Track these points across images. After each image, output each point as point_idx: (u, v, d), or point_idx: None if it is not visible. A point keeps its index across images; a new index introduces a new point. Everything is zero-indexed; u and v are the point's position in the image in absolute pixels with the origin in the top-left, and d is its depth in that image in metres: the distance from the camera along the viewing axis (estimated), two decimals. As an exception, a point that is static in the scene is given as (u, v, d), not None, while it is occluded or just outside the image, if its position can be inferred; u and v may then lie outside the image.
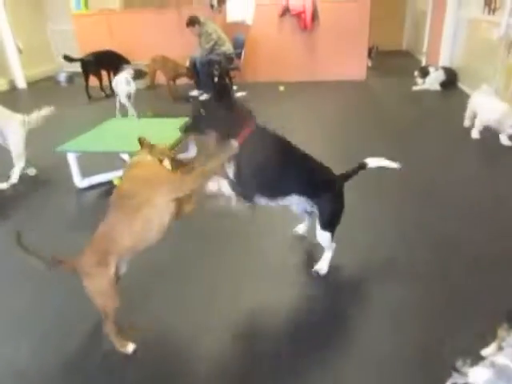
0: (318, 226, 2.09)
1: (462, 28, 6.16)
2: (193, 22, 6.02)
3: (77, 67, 6.63)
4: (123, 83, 5.11)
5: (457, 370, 1.19)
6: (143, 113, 5.33)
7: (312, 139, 4.25)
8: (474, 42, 5.71)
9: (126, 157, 3.58)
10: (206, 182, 1.80)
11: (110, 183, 3.47)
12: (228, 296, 2.11)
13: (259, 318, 2.00)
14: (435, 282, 2.13)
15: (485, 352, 1.56)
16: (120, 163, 3.64)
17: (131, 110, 5.14)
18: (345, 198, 2.12)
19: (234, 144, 1.72)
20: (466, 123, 4.29)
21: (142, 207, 1.59)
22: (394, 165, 2.21)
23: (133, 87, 5.15)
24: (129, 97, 5.13)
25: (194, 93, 6.49)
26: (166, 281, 2.27)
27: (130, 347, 1.76)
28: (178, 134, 3.41)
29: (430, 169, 3.47)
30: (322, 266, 2.20)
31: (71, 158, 3.31)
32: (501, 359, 1.25)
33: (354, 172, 2.19)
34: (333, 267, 2.22)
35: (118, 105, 5.30)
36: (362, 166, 2.19)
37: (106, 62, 6.59)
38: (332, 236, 2.10)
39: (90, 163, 3.61)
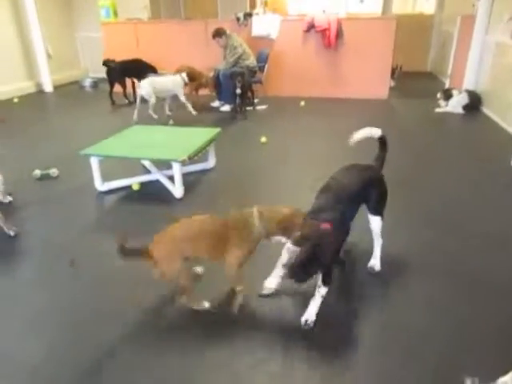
0: (370, 214, 2.25)
1: (488, 52, 6.11)
2: (219, 33, 6.13)
3: (102, 73, 6.79)
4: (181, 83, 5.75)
5: None
6: (164, 122, 5.42)
7: (329, 154, 4.24)
8: (500, 66, 5.65)
9: (147, 163, 3.65)
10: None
11: (129, 188, 3.52)
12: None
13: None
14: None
15: (501, 380, 1.51)
16: (140, 169, 3.70)
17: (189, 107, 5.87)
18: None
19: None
20: None
21: (218, 252, 1.95)
22: (376, 132, 2.39)
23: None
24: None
25: (216, 104, 6.57)
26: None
27: (206, 304, 2.09)
28: (198, 143, 3.46)
29: (446, 189, 3.42)
30: (376, 263, 2.35)
31: (94, 162, 3.37)
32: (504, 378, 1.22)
33: (380, 153, 2.44)
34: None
35: (137, 110, 5.62)
36: (382, 141, 2.43)
37: (131, 70, 6.73)
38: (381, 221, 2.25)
39: (109, 168, 3.67)
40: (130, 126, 4.07)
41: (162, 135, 3.92)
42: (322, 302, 1.97)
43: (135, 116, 5.58)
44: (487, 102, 5.98)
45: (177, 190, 3.33)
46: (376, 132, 2.38)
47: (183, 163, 3.25)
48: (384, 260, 2.38)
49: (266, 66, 6.65)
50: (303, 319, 1.97)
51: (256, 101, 6.53)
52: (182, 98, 5.83)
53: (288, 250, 2.10)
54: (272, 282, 2.18)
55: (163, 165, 3.59)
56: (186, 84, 5.86)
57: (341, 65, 7.07)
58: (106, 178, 3.52)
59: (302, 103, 6.59)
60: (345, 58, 7.01)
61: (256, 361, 1.78)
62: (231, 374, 1.73)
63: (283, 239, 1.95)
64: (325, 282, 1.95)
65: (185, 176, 3.62)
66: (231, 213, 2.03)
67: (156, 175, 3.58)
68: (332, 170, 2.27)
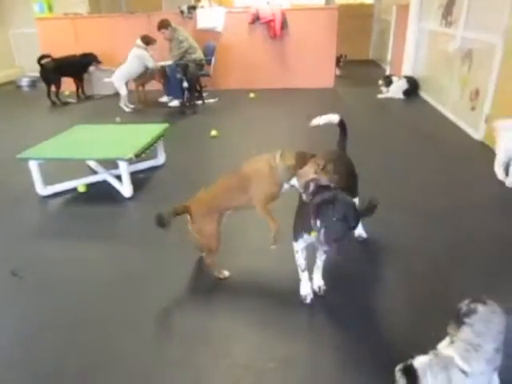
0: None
1: (422, 39, 6.43)
2: (164, 25, 6.01)
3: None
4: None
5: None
6: (112, 119, 5.30)
7: (280, 144, 4.32)
8: (434, 52, 5.98)
9: (92, 163, 3.57)
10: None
11: (74, 191, 3.44)
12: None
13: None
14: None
15: (439, 346, 1.65)
16: (86, 170, 3.62)
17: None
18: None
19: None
20: (499, 173, 3.40)
21: (245, 193, 2.11)
22: (335, 118, 2.48)
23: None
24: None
25: (164, 99, 6.49)
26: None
27: (227, 273, 2.28)
28: (146, 140, 3.43)
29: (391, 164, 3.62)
30: (361, 232, 2.57)
31: (33, 166, 3.25)
32: (445, 350, 1.35)
33: (342, 138, 2.52)
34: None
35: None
36: (341, 126, 2.51)
37: (67, 69, 6.46)
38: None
39: (53, 171, 3.56)
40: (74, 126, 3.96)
41: (106, 134, 3.84)
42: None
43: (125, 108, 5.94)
44: (424, 86, 6.32)
45: (125, 189, 3.29)
46: (335, 118, 2.47)
47: (130, 161, 3.22)
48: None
49: (214, 58, 6.62)
50: (315, 286, 2.13)
51: (205, 94, 6.51)
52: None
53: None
54: (308, 289, 2.11)
55: (110, 164, 3.53)
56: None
57: (287, 55, 7.19)
58: (49, 181, 3.42)
59: (252, 95, 6.65)
60: (291, 49, 7.12)
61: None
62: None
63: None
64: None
65: (134, 174, 3.59)
66: (250, 160, 2.21)
67: (103, 175, 3.52)
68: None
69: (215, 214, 2.16)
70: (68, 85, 6.71)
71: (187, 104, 5.90)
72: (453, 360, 1.30)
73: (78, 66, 6.55)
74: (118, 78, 5.91)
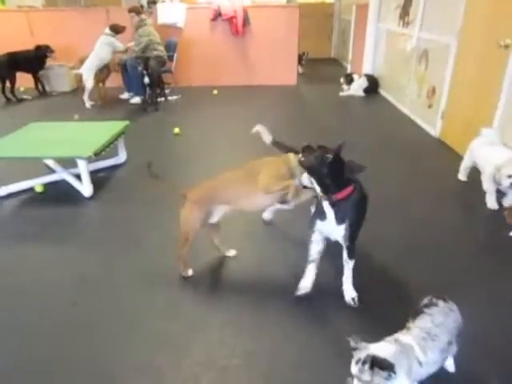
0: None
1: (381, 39, 6.62)
2: (136, 10, 5.90)
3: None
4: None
5: (354, 348, 1.30)
6: (69, 117, 5.12)
7: (243, 141, 4.34)
8: (392, 52, 6.16)
9: (50, 162, 3.43)
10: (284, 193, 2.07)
11: (31, 191, 3.30)
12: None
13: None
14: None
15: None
16: (43, 170, 3.47)
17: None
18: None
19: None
20: (461, 177, 3.37)
21: (250, 186, 2.04)
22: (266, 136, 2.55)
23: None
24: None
25: (125, 96, 6.34)
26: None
27: (190, 272, 2.27)
28: (105, 138, 3.34)
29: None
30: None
31: (-14, 165, 3.09)
32: (404, 338, 1.38)
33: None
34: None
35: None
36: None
37: (22, 63, 6.18)
38: None
39: (7, 170, 3.41)
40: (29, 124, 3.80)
41: (64, 131, 3.70)
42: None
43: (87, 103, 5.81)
44: (383, 84, 6.51)
45: (85, 189, 3.19)
46: (267, 138, 2.54)
47: (89, 160, 3.12)
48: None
49: (176, 55, 6.53)
50: (348, 299, 2.05)
51: (167, 91, 6.41)
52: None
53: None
54: (307, 282, 2.11)
55: (69, 163, 3.41)
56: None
57: (250, 52, 7.20)
58: (3, 181, 3.26)
59: (215, 92, 6.62)
60: (253, 46, 7.14)
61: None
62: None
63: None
64: (350, 256, 2.01)
65: (94, 173, 3.49)
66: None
67: (61, 174, 3.39)
68: (246, 156, 2.33)
69: (206, 206, 2.12)
70: (23, 81, 6.41)
71: (149, 101, 5.78)
72: (413, 349, 1.34)
73: (33, 61, 6.28)
74: (87, 68, 5.74)
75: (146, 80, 5.65)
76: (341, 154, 1.83)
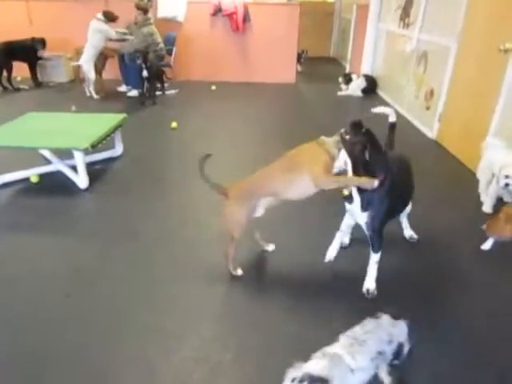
0: None
1: (381, 39, 6.63)
2: (144, 8, 5.84)
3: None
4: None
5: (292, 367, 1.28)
6: (66, 107, 5.08)
7: (240, 137, 4.34)
8: (391, 53, 6.17)
9: (46, 153, 3.41)
10: (338, 187, 2.01)
11: (27, 181, 3.28)
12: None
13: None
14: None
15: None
16: (39, 160, 3.45)
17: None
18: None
19: (375, 183, 1.88)
20: (483, 198, 3.03)
21: (295, 174, 1.96)
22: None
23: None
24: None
25: (123, 88, 6.30)
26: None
27: (240, 271, 2.24)
28: (102, 130, 3.32)
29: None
30: (412, 233, 2.62)
31: (-19, 154, 3.07)
32: (331, 349, 1.35)
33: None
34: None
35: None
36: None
37: (19, 52, 6.09)
38: None
39: (3, 160, 3.38)
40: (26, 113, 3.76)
41: (61, 122, 3.68)
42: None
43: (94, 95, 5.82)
44: (382, 85, 6.52)
45: (81, 181, 3.18)
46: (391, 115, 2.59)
47: (86, 152, 3.10)
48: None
49: (175, 49, 6.50)
50: (364, 289, 2.08)
51: (166, 85, 6.38)
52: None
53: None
54: (332, 250, 2.29)
55: (65, 154, 3.38)
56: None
57: (249, 49, 7.17)
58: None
59: (213, 87, 6.60)
60: (253, 43, 7.11)
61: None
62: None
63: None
64: (374, 249, 2.03)
65: (90, 165, 3.48)
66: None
67: (57, 165, 3.37)
68: (242, 152, 2.33)
69: (250, 200, 2.07)
70: (21, 70, 6.34)
71: (147, 95, 5.75)
72: (342, 358, 1.31)
73: (30, 51, 6.20)
74: (85, 60, 5.70)
75: (145, 73, 5.61)
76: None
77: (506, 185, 2.58)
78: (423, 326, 1.85)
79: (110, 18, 5.78)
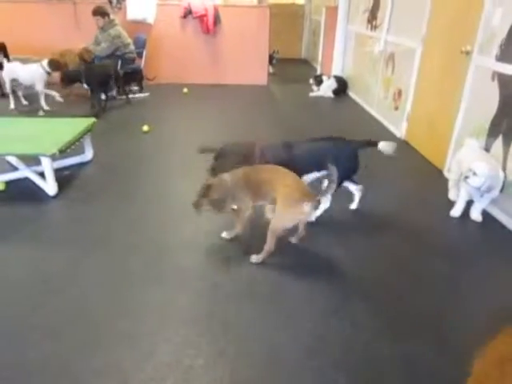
0: None
1: (350, 41, 6.75)
2: (102, 12, 5.73)
3: None
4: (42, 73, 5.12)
5: None
6: (34, 112, 4.95)
7: (212, 139, 4.32)
8: (360, 54, 6.30)
9: (12, 159, 3.31)
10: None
11: (-8, 189, 3.18)
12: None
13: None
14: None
15: None
16: (4, 167, 3.35)
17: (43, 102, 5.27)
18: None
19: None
20: (452, 196, 3.16)
21: None
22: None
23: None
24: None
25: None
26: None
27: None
28: (71, 135, 3.25)
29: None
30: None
31: None
32: None
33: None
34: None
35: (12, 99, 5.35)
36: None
37: None
38: None
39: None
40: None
41: (28, 127, 3.58)
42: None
43: (12, 105, 5.38)
44: (352, 86, 6.64)
45: (49, 187, 3.09)
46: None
47: (54, 157, 3.03)
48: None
49: (145, 51, 6.43)
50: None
51: (136, 88, 6.30)
52: (39, 88, 5.16)
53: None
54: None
55: (33, 160, 3.29)
56: (48, 74, 5.14)
57: (221, 51, 7.17)
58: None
59: (185, 90, 6.56)
60: (224, 45, 7.12)
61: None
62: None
63: None
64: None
65: (59, 171, 3.40)
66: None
67: (24, 172, 3.27)
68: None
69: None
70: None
71: (96, 106, 5.32)
72: None
73: None
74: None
75: (85, 86, 5.27)
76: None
77: (466, 177, 2.68)
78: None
79: (55, 66, 5.16)
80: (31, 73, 5.09)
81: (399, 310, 2.05)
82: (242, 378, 1.68)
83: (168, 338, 1.86)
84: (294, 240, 2.55)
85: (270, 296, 2.14)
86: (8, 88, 5.26)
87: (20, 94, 5.54)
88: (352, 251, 2.52)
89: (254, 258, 2.37)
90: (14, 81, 5.21)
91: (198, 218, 2.59)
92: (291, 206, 2.20)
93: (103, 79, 5.38)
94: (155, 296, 2.12)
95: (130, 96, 5.96)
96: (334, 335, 1.88)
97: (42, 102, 5.23)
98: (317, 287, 2.20)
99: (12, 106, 5.34)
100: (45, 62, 5.10)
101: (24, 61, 5.48)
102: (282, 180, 2.26)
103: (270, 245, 2.30)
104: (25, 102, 5.57)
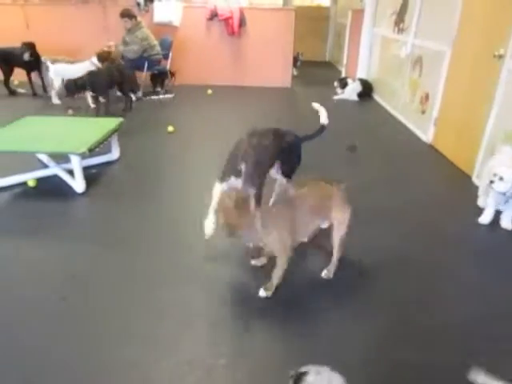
0: None
1: (376, 44, 6.68)
2: (130, 15, 5.87)
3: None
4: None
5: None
6: (63, 111, 5.08)
7: (235, 140, 4.34)
8: (386, 57, 6.23)
9: (43, 157, 3.40)
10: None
11: (24, 185, 3.27)
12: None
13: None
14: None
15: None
16: (36, 164, 3.45)
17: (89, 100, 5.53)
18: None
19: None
20: (481, 202, 3.06)
21: None
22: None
23: None
24: None
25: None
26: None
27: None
28: (99, 134, 3.32)
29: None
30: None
31: (-21, 158, 3.06)
32: None
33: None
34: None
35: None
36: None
37: (11, 58, 5.95)
38: None
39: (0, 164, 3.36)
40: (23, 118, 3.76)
41: (59, 126, 3.68)
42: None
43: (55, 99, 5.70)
44: (377, 89, 6.57)
45: (78, 185, 3.17)
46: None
47: (83, 156, 3.10)
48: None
49: (171, 53, 6.52)
50: None
51: (163, 90, 6.41)
52: None
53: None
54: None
55: (62, 158, 3.38)
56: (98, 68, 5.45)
57: (245, 53, 7.21)
58: (-5, 174, 3.23)
59: (210, 91, 6.61)
60: (249, 47, 7.15)
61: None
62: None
63: None
64: None
65: (87, 169, 3.47)
66: None
67: (54, 169, 3.36)
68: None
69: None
70: (18, 74, 6.32)
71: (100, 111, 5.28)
72: None
73: (20, 56, 6.04)
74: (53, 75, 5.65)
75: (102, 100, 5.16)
76: None
77: (491, 182, 2.61)
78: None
79: (103, 58, 5.58)
80: (84, 70, 5.26)
81: (426, 319, 2.01)
82: (263, 379, 1.68)
83: (190, 336, 1.88)
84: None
85: (293, 299, 2.13)
86: (56, 87, 5.56)
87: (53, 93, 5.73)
88: (378, 257, 2.49)
89: (326, 274, 2.25)
90: (63, 81, 5.44)
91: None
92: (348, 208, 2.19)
93: (109, 84, 5.16)
94: (177, 294, 2.15)
95: (155, 97, 6.05)
96: (355, 341, 1.86)
97: (89, 100, 5.51)
98: (344, 293, 2.18)
99: (57, 101, 5.68)
100: (94, 59, 5.43)
101: (53, 62, 5.67)
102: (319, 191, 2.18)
103: (340, 254, 2.24)
104: (58, 102, 5.75)
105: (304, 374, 1.28)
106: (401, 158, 4.18)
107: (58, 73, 5.51)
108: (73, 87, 4.87)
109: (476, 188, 3.21)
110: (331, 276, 2.25)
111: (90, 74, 4.97)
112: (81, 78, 4.89)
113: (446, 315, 2.03)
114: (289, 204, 2.07)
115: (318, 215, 2.13)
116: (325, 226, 2.23)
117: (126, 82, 5.37)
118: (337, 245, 2.21)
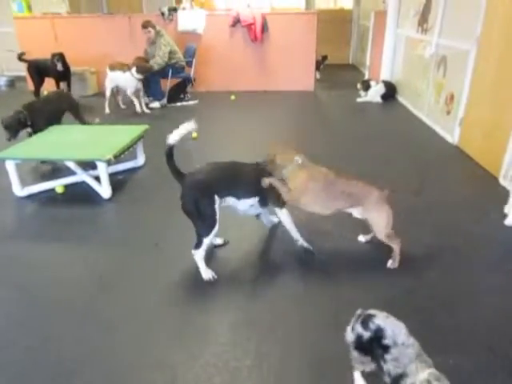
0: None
1: (399, 45, 6.59)
2: (151, 25, 6.08)
3: (18, 71, 6.37)
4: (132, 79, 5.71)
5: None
6: (91, 120, 5.24)
7: (260, 146, 4.37)
8: (410, 58, 6.13)
9: (71, 164, 3.53)
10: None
11: (52, 191, 3.40)
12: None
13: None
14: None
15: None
16: (64, 171, 3.58)
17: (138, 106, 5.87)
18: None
19: None
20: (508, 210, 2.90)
21: None
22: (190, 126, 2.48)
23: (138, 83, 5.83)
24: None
25: (153, 104, 6.45)
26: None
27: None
28: (124, 141, 3.42)
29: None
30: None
31: (10, 166, 3.20)
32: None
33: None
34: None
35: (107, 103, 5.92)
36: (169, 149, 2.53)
37: (44, 69, 6.26)
38: None
39: (30, 171, 3.50)
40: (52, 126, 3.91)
41: (85, 134, 3.81)
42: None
43: (107, 109, 5.91)
44: (401, 91, 6.47)
45: (104, 191, 3.27)
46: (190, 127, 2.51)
47: (109, 162, 3.20)
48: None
49: (194, 61, 6.64)
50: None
51: (188, 96, 6.53)
52: (129, 93, 5.87)
53: None
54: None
55: (89, 165, 3.50)
56: (139, 80, 5.77)
57: (268, 58, 7.25)
58: (26, 181, 3.37)
59: (233, 97, 6.69)
60: (271, 52, 7.19)
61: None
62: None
63: None
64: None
65: (113, 175, 3.58)
66: None
67: (81, 176, 3.48)
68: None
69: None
70: (48, 84, 6.58)
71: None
72: None
73: (52, 67, 6.32)
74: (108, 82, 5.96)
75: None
76: None
77: None
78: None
79: (143, 70, 5.80)
80: (126, 80, 5.74)
81: (451, 322, 1.97)
82: (288, 380, 1.69)
83: (216, 338, 1.91)
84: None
85: (319, 301, 2.13)
86: (108, 94, 5.88)
87: (119, 98, 6.17)
88: (403, 259, 2.46)
89: (391, 263, 2.38)
90: (115, 87, 5.92)
91: (243, 225, 2.63)
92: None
93: (52, 115, 4.07)
94: (203, 297, 2.19)
95: (179, 104, 6.19)
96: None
97: (137, 106, 5.86)
98: (362, 296, 2.16)
99: (107, 110, 5.91)
100: (133, 70, 5.69)
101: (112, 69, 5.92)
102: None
103: (396, 245, 2.34)
104: (123, 106, 6.15)
105: (372, 315, 1.40)
106: (426, 159, 4.10)
107: (110, 80, 5.84)
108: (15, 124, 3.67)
109: (503, 189, 3.11)
110: (396, 265, 2.36)
111: (28, 107, 3.84)
112: (19, 112, 3.75)
113: (472, 316, 1.99)
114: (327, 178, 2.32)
115: (345, 201, 2.32)
116: (356, 214, 2.39)
117: (75, 108, 4.38)
118: (380, 239, 2.36)
